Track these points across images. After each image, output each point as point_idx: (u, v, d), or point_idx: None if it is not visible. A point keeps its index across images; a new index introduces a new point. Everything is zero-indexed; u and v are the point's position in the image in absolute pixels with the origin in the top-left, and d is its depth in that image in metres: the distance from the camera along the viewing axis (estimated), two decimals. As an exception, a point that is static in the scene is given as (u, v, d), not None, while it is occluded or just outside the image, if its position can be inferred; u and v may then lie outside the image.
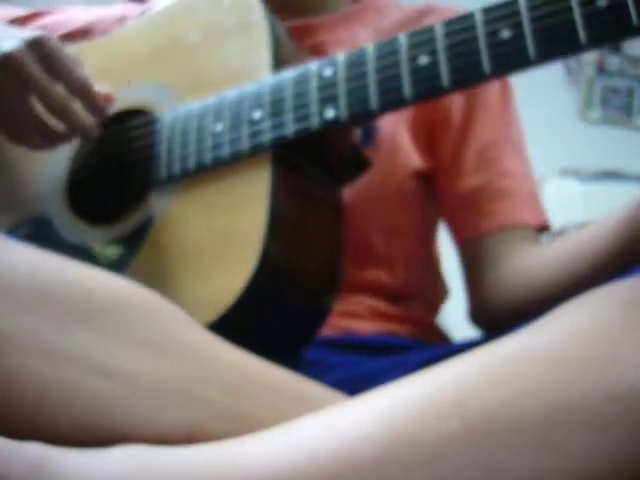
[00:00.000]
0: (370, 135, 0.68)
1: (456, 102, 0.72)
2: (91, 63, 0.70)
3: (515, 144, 0.73)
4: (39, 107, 0.58)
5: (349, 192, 0.61)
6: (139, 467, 0.32)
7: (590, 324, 0.34)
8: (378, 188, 0.68)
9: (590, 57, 2.47)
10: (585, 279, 0.59)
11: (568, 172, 2.24)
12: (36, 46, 0.57)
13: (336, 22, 0.73)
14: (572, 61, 2.44)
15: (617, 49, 2.50)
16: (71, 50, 0.72)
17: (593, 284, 0.37)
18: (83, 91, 0.59)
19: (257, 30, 0.60)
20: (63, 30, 0.78)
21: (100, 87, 0.61)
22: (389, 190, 0.69)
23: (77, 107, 0.59)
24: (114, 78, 0.67)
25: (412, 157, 0.70)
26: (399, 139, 0.70)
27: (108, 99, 0.61)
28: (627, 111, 2.64)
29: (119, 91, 0.66)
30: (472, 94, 0.72)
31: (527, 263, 0.67)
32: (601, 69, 2.59)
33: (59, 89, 0.58)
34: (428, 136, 0.72)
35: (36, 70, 0.57)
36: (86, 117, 0.60)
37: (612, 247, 0.57)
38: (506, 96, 0.74)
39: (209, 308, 0.51)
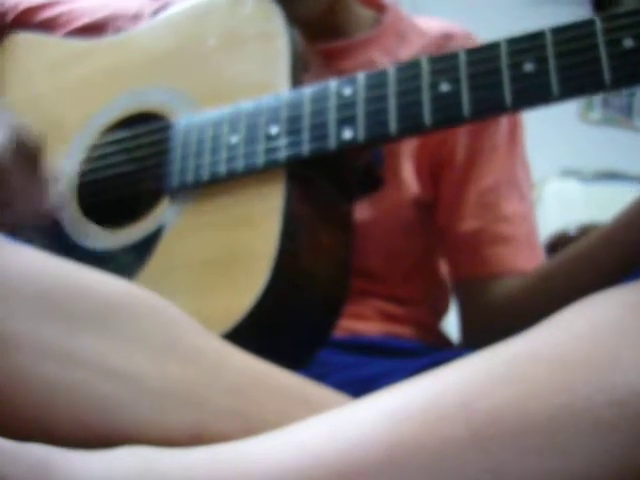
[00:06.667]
0: (377, 160, 0.68)
1: (462, 141, 0.71)
2: (103, 63, 0.69)
3: (518, 186, 0.72)
4: None
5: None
6: (143, 468, 0.32)
7: (594, 327, 0.34)
8: (378, 214, 0.68)
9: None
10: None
11: (569, 173, 2.23)
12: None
13: (354, 48, 0.72)
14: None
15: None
16: (83, 47, 0.72)
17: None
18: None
19: (277, 40, 0.59)
20: (76, 24, 0.77)
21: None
22: (389, 216, 0.70)
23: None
24: (127, 79, 0.66)
25: (413, 186, 0.70)
26: (402, 167, 0.69)
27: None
28: (628, 112, 2.64)
29: (134, 93, 0.65)
30: (479, 135, 0.72)
31: (524, 302, 0.67)
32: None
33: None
34: (431, 169, 0.72)
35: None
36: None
37: (611, 256, 0.58)
38: (515, 137, 0.73)
39: (217, 323, 0.51)
